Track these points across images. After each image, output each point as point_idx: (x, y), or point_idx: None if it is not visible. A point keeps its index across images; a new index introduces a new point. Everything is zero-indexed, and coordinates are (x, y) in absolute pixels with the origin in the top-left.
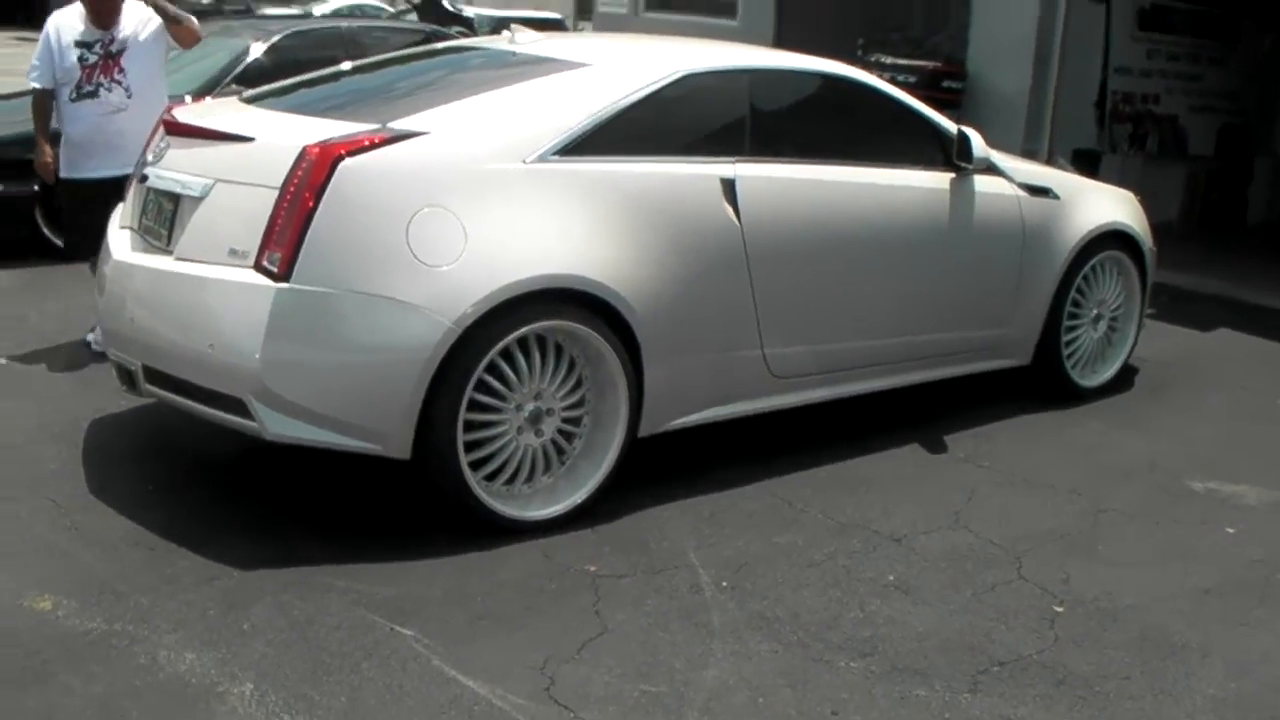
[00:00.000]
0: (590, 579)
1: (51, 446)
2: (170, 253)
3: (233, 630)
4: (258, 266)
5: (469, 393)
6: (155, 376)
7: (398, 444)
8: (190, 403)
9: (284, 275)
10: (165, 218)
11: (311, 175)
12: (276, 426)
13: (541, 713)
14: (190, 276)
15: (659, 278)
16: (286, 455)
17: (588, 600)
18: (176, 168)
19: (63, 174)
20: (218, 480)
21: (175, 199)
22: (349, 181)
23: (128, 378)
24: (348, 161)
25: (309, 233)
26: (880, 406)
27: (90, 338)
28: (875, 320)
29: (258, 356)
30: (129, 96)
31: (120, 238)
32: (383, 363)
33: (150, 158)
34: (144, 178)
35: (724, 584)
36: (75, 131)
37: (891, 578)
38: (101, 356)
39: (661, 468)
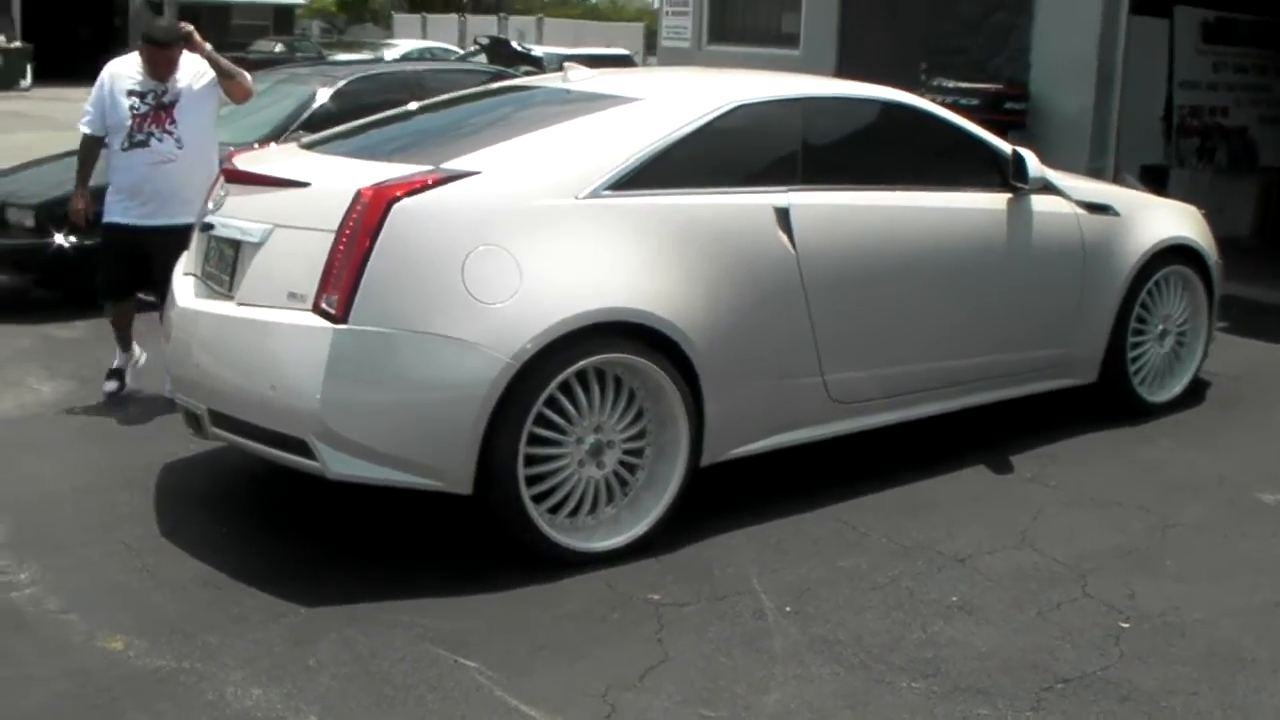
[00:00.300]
0: (653, 608)
1: (124, 491)
2: (232, 298)
3: (298, 666)
4: (316, 309)
5: (529, 427)
6: (221, 420)
7: (459, 479)
8: (255, 445)
9: (342, 317)
10: (227, 264)
11: (366, 217)
12: (339, 466)
13: None
14: (251, 321)
15: (715, 309)
16: (350, 493)
17: (650, 629)
18: (236, 214)
19: (105, 218)
20: (283, 520)
21: (236, 245)
22: (403, 223)
23: (195, 422)
24: (402, 203)
25: (365, 274)
26: (944, 428)
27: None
28: (935, 343)
29: (318, 397)
30: (179, 147)
31: (184, 284)
32: (442, 400)
33: (211, 206)
34: (206, 225)
35: (787, 609)
36: (124, 180)
37: (955, 598)
38: (172, 404)
39: (725, 495)
